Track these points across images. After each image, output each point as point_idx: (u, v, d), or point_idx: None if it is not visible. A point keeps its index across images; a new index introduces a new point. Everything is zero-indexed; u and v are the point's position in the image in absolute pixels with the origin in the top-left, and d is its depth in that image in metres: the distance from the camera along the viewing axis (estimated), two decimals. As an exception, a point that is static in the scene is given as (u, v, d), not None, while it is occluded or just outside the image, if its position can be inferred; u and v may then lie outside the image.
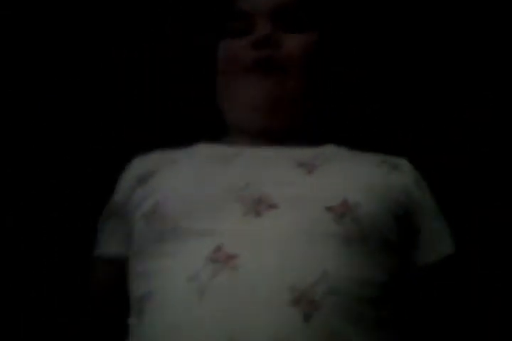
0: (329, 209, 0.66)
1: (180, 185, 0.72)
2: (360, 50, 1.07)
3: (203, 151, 0.80)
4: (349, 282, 0.62)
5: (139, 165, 0.82)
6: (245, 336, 0.56)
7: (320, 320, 0.58)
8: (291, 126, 0.81)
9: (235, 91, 0.81)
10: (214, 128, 0.87)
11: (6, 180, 0.99)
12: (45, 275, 0.96)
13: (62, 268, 0.96)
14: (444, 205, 0.80)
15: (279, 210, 0.66)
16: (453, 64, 1.07)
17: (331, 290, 0.60)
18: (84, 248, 0.82)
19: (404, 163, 0.80)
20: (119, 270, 0.75)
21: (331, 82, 0.88)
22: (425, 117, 1.07)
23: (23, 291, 0.95)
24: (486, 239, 0.99)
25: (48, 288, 0.95)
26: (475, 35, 1.07)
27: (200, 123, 1.01)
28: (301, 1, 0.84)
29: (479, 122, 1.05)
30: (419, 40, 1.08)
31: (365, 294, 0.63)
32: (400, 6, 1.08)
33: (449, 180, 1.00)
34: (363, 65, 1.08)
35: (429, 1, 1.08)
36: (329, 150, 0.80)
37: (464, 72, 1.07)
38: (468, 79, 1.06)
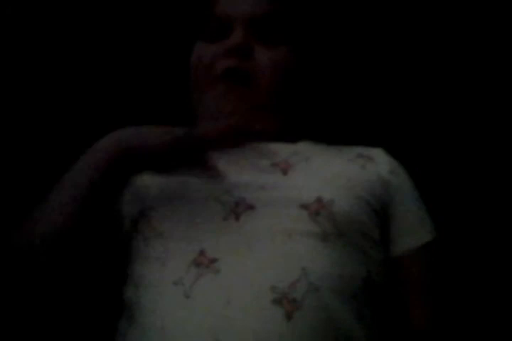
0: (304, 207, 0.68)
1: (165, 194, 0.73)
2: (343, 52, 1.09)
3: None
4: (329, 278, 0.64)
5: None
6: (229, 337, 0.58)
7: (302, 318, 0.60)
8: (261, 131, 0.80)
9: (205, 100, 0.81)
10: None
11: (5, 181, 1.02)
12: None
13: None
14: (426, 193, 0.81)
15: (256, 211, 0.68)
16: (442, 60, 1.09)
17: (312, 287, 0.62)
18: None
19: (379, 153, 0.81)
20: None
21: (305, 88, 0.88)
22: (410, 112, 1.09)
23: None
24: (468, 225, 1.02)
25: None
26: (466, 34, 1.08)
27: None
28: (277, 12, 0.83)
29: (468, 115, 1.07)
30: (407, 39, 1.09)
31: (347, 289, 0.65)
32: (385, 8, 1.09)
33: (432, 169, 1.02)
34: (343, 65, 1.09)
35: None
36: (304, 147, 0.80)
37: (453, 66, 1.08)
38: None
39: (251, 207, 0.69)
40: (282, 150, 0.78)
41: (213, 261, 0.64)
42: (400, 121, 1.07)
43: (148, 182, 0.76)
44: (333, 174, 0.74)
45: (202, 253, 0.65)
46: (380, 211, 0.74)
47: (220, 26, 0.82)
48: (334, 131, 0.93)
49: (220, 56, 0.80)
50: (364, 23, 1.09)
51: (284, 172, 0.74)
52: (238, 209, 0.69)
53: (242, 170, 0.74)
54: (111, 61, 1.10)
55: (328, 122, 1.01)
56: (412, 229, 0.77)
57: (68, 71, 1.09)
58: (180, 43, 0.93)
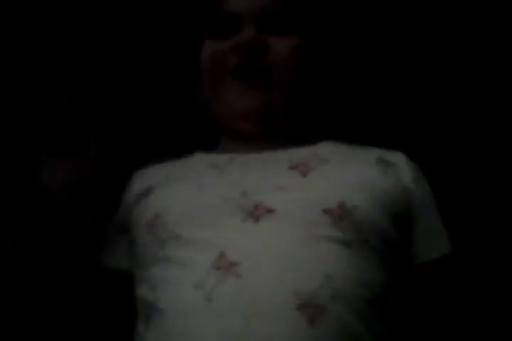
0: (326, 211, 0.67)
1: (180, 195, 0.73)
2: (354, 49, 1.07)
3: (200, 161, 0.80)
4: (351, 284, 0.63)
5: (137, 180, 0.82)
6: None
7: (325, 324, 0.59)
8: (282, 129, 0.81)
9: (223, 96, 0.80)
10: (206, 135, 0.88)
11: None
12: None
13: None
14: (441, 200, 0.79)
15: (277, 214, 0.66)
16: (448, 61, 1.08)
17: (335, 293, 0.61)
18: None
19: (400, 159, 0.78)
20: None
21: (322, 81, 0.88)
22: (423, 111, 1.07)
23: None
24: (482, 237, 1.00)
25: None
26: (468, 33, 1.07)
27: (192, 131, 1.02)
28: (288, 4, 0.83)
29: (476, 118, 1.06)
30: (415, 37, 1.08)
31: (366, 295, 0.64)
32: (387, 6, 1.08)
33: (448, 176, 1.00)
34: (357, 62, 1.08)
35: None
36: (324, 148, 0.79)
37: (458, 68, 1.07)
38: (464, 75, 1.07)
39: (271, 211, 0.67)
40: (300, 152, 0.77)
41: (234, 264, 0.62)
42: (417, 122, 1.06)
43: (163, 184, 0.76)
44: (355, 178, 0.73)
45: (222, 255, 0.63)
46: (402, 218, 0.73)
47: (230, 23, 0.81)
48: (352, 130, 0.91)
49: (233, 52, 0.79)
50: (387, 17, 1.08)
51: (303, 174, 0.72)
52: (257, 212, 0.67)
53: (258, 172, 0.73)
54: (112, 60, 1.08)
55: (345, 120, 0.99)
56: (431, 241, 0.75)
57: (68, 71, 1.06)
58: (187, 42, 0.93)
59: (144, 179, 0.81)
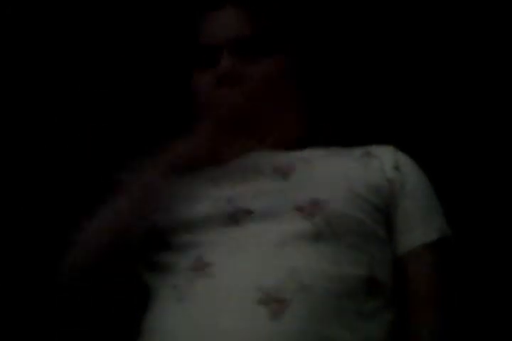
0: (299, 209, 0.68)
1: (172, 206, 0.75)
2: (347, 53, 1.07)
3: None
4: (322, 278, 0.62)
5: None
6: (218, 338, 0.59)
7: (289, 318, 0.59)
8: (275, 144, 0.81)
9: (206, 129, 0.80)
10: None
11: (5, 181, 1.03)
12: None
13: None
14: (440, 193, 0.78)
15: (254, 216, 0.70)
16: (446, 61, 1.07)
17: (301, 287, 0.61)
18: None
19: (385, 150, 0.78)
20: None
21: (311, 93, 0.88)
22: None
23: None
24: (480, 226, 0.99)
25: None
26: (467, 33, 1.06)
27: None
28: (262, 29, 0.83)
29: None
30: (412, 39, 1.07)
31: (344, 289, 0.63)
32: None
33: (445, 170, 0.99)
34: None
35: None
36: (309, 153, 0.80)
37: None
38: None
39: (249, 212, 0.70)
40: (287, 157, 0.78)
41: (208, 265, 0.66)
42: (413, 123, 1.05)
43: None
44: (331, 175, 0.74)
45: (199, 258, 0.67)
46: (385, 209, 0.72)
47: (208, 54, 0.83)
48: (346, 137, 0.91)
49: (214, 85, 0.81)
50: (363, 22, 1.08)
51: (285, 177, 0.74)
52: (238, 215, 0.70)
53: (245, 178, 0.75)
54: (111, 60, 1.09)
55: (338, 128, 0.98)
56: (416, 226, 0.73)
57: (68, 71, 1.08)
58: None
59: None
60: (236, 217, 0.70)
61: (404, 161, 0.77)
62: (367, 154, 0.77)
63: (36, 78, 1.07)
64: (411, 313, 0.70)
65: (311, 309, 0.60)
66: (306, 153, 0.80)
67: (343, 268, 0.65)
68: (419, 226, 0.73)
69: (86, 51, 1.09)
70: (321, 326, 0.60)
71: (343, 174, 0.73)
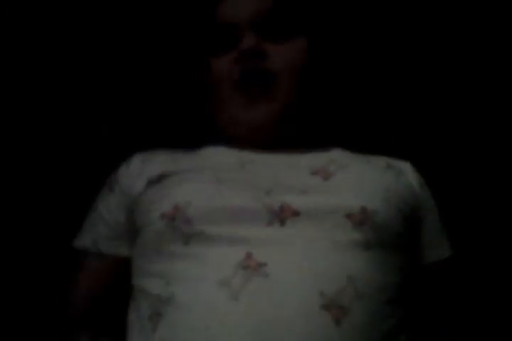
0: (349, 216, 0.68)
1: (200, 188, 0.72)
2: (358, 50, 1.08)
3: (216, 156, 0.79)
4: (372, 286, 0.65)
5: (146, 164, 0.79)
6: (281, 336, 0.59)
7: (350, 325, 0.61)
8: (293, 135, 0.82)
9: (229, 109, 0.81)
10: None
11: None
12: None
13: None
14: (443, 207, 0.82)
15: (302, 218, 0.68)
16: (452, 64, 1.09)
17: (358, 295, 0.63)
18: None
19: (407, 167, 0.82)
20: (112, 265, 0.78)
21: (328, 84, 0.89)
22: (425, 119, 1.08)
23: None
24: (482, 241, 1.02)
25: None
26: (473, 34, 1.09)
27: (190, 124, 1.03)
28: (284, 7, 0.81)
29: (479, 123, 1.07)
30: (421, 39, 1.10)
31: (385, 296, 0.66)
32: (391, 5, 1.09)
33: (449, 183, 1.02)
34: (362, 65, 1.09)
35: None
36: (337, 155, 0.81)
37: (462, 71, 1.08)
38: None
39: (296, 214, 0.68)
40: (318, 157, 0.79)
41: (261, 265, 0.63)
42: (413, 123, 1.08)
43: (178, 174, 0.75)
44: (373, 183, 0.75)
45: (249, 256, 0.64)
46: (413, 222, 0.76)
47: (228, 34, 0.80)
48: (359, 137, 0.93)
49: (236, 63, 0.79)
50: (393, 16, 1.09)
51: (325, 179, 0.74)
52: (283, 214, 0.68)
53: (280, 174, 0.74)
54: (111, 60, 1.08)
55: (351, 128, 0.99)
56: (436, 243, 0.79)
57: (68, 71, 1.07)
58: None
59: (153, 164, 0.79)
60: (282, 216, 0.68)
61: (423, 180, 0.82)
62: (390, 166, 0.80)
63: (36, 78, 1.05)
64: (423, 325, 0.76)
65: (367, 316, 0.63)
66: (336, 155, 0.80)
67: (386, 277, 0.68)
68: (440, 243, 0.80)
69: (86, 51, 1.07)
70: (375, 332, 0.63)
71: (381, 184, 0.75)
